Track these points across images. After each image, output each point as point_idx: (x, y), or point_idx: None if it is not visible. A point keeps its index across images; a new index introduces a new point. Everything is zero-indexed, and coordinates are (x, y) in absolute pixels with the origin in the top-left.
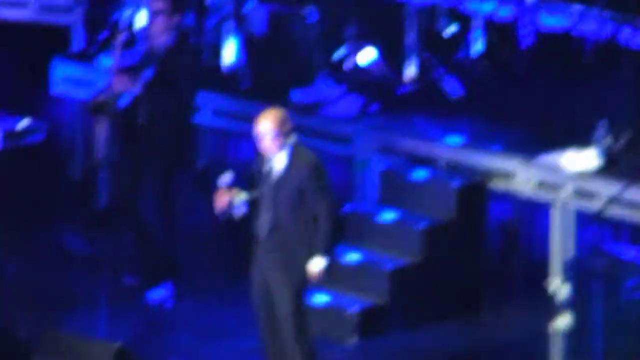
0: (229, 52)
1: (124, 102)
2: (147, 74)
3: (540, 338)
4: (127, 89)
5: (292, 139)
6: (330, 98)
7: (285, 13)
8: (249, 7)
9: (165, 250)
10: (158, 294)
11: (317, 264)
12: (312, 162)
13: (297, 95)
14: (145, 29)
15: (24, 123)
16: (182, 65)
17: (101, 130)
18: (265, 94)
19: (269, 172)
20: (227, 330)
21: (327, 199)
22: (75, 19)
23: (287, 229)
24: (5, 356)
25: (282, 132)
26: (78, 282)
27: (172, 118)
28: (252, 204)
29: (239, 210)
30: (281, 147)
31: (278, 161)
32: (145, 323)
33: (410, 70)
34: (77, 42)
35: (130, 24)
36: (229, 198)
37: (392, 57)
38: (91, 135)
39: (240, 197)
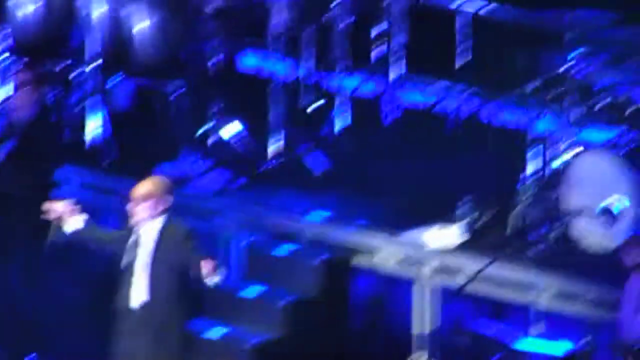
0: (94, 127)
1: None
2: (8, 145)
3: None
4: None
5: (166, 212)
6: (196, 173)
7: (151, 88)
8: (114, 81)
9: (30, 323)
10: None
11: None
12: (187, 230)
13: (163, 170)
14: (8, 102)
15: None
16: (43, 138)
17: None
18: (130, 169)
19: (137, 242)
20: None
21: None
22: None
23: (160, 303)
24: None
25: (161, 201)
26: None
27: (34, 190)
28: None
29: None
30: (155, 216)
31: (148, 231)
32: None
33: (275, 146)
34: None
35: None
36: (64, 211)
37: (257, 132)
38: None
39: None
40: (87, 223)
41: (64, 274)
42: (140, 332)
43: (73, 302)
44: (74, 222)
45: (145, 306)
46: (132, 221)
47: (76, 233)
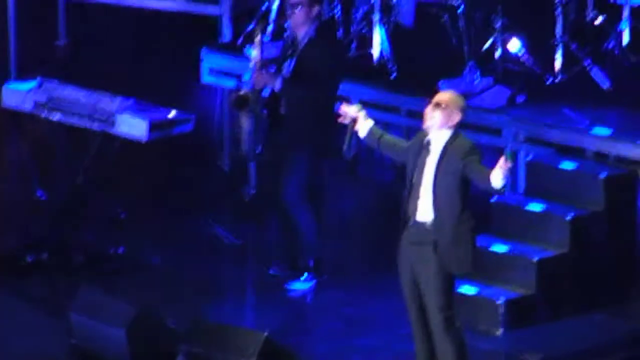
0: (376, 43)
1: (265, 94)
2: (287, 67)
3: None
4: (268, 85)
5: (455, 128)
6: (478, 89)
7: (433, 3)
8: None
9: (309, 242)
10: (301, 286)
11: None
12: (472, 143)
13: (445, 86)
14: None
15: (172, 114)
16: (322, 56)
17: (245, 123)
18: (412, 85)
19: (427, 149)
20: (375, 319)
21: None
22: (223, 10)
23: (445, 219)
24: (153, 343)
25: (454, 114)
26: (225, 271)
27: (313, 108)
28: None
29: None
30: (444, 127)
31: (436, 140)
32: (291, 313)
33: (558, 61)
34: (225, 33)
35: (276, 16)
36: (358, 115)
37: (539, 47)
38: (236, 128)
39: (360, 126)
40: (376, 128)
41: (349, 191)
42: (425, 242)
43: (356, 218)
44: (366, 125)
45: (432, 222)
46: (424, 125)
47: (369, 136)
